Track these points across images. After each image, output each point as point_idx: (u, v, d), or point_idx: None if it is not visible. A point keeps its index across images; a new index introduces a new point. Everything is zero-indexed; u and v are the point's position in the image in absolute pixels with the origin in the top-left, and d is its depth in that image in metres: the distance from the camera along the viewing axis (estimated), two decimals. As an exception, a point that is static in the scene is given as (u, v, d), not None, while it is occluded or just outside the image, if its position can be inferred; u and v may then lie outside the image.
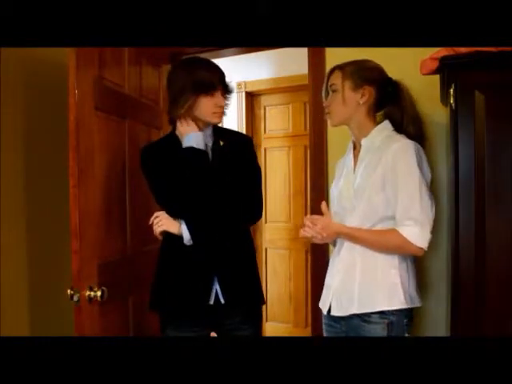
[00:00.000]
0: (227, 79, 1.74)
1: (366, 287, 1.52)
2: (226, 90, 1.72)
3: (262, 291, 1.82)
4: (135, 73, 2.09)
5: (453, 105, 1.47)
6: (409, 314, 1.53)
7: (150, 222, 1.69)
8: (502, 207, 1.45)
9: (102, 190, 1.80)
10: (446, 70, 1.49)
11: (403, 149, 1.49)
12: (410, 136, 1.56)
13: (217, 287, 1.69)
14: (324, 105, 1.65)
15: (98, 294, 1.65)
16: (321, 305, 1.69)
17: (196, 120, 1.70)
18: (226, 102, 1.74)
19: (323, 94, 1.67)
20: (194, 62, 1.74)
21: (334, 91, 1.60)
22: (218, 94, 1.68)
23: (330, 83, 1.62)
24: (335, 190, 1.70)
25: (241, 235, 1.78)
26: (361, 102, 1.57)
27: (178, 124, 1.72)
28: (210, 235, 1.68)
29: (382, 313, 1.48)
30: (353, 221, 1.55)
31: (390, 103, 1.61)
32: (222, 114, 1.72)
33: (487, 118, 1.45)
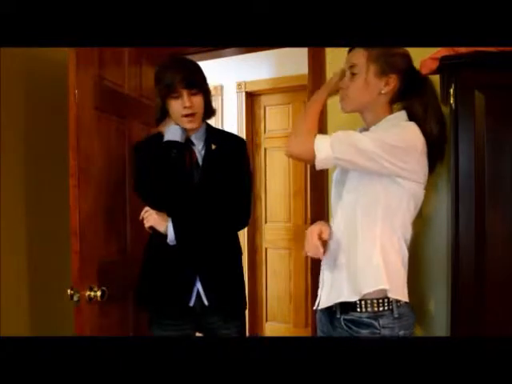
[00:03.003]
0: (196, 77, 1.68)
1: (350, 272, 1.40)
2: (195, 90, 1.66)
3: (244, 295, 1.82)
4: (135, 73, 2.09)
5: (453, 105, 1.47)
6: (405, 324, 1.38)
7: (141, 218, 1.70)
8: (502, 207, 1.45)
9: (102, 190, 1.80)
10: (446, 70, 1.49)
11: (397, 128, 1.36)
12: (432, 136, 1.40)
13: (199, 288, 1.69)
14: (340, 86, 1.48)
15: (98, 294, 1.65)
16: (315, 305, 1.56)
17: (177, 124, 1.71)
18: (200, 102, 1.69)
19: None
20: (164, 65, 1.72)
21: (354, 73, 1.42)
22: (184, 95, 1.65)
23: (350, 63, 1.43)
24: (337, 181, 1.55)
25: (227, 238, 1.77)
26: (383, 92, 1.42)
27: (159, 127, 1.76)
28: (194, 237, 1.68)
29: (371, 326, 1.35)
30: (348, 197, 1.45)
31: (412, 96, 1.44)
32: (193, 116, 1.67)
33: (487, 117, 1.45)
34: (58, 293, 1.84)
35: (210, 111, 1.78)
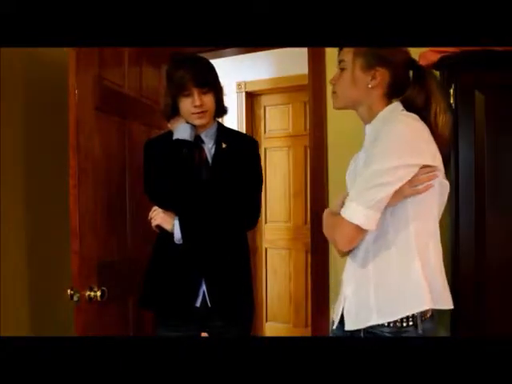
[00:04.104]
0: (207, 76, 1.68)
1: (382, 290, 1.28)
2: (205, 88, 1.66)
3: (252, 297, 1.80)
4: (135, 73, 2.09)
5: (453, 105, 1.47)
6: (430, 326, 1.30)
7: (149, 218, 1.70)
8: (502, 207, 1.45)
9: (102, 190, 1.80)
10: (446, 69, 1.49)
11: (391, 127, 1.24)
12: (436, 131, 1.28)
13: (204, 289, 1.68)
14: (330, 82, 1.44)
15: (98, 294, 1.65)
16: (333, 316, 1.45)
17: (187, 121, 1.71)
18: (211, 100, 1.68)
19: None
20: (176, 62, 1.72)
21: (342, 69, 1.38)
22: (194, 94, 1.65)
23: (339, 59, 1.40)
24: (349, 187, 1.47)
25: (235, 239, 1.76)
26: (370, 86, 1.34)
27: (169, 123, 1.75)
28: (201, 236, 1.68)
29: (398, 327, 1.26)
30: None
31: (412, 88, 1.35)
32: (203, 114, 1.67)
33: (487, 118, 1.45)
34: (58, 293, 1.84)
35: (221, 109, 1.77)
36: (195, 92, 1.65)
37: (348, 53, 1.37)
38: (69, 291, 1.61)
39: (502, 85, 1.44)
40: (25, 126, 2.08)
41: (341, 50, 1.41)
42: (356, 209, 1.23)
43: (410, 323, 1.26)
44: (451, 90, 1.47)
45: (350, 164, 1.55)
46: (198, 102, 1.64)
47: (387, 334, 1.27)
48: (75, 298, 1.61)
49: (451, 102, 1.47)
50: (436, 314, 1.35)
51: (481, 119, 1.45)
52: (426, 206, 1.29)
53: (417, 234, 1.28)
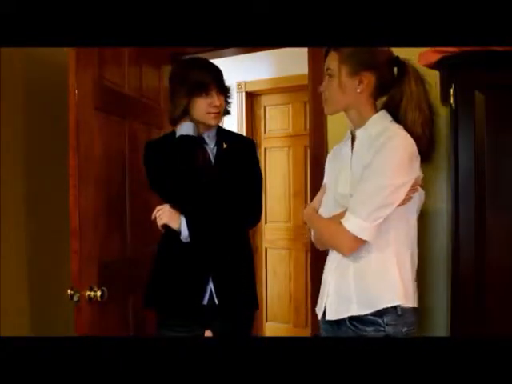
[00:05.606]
0: (222, 78, 1.73)
1: (361, 285, 1.38)
2: (221, 90, 1.71)
3: (256, 295, 1.83)
4: (135, 73, 2.09)
5: (453, 105, 1.47)
6: (408, 321, 1.38)
7: (153, 217, 1.70)
8: (502, 207, 1.45)
9: (102, 189, 1.80)
10: (446, 69, 1.49)
11: (394, 143, 1.32)
12: (406, 127, 1.37)
13: (211, 287, 1.69)
14: (319, 90, 1.48)
15: (98, 294, 1.65)
16: (317, 309, 1.54)
17: (195, 122, 1.71)
18: (223, 102, 1.73)
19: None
20: (189, 63, 1.75)
21: (329, 76, 1.43)
22: (212, 94, 1.67)
23: (326, 67, 1.45)
24: (331, 183, 1.55)
25: (238, 237, 1.78)
26: (358, 91, 1.40)
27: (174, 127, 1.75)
28: (208, 234, 1.69)
29: (376, 324, 1.35)
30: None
31: (394, 87, 1.42)
32: (219, 114, 1.71)
33: (487, 117, 1.45)
34: (58, 293, 1.84)
35: (226, 111, 1.80)
36: (214, 92, 1.67)
37: (333, 60, 1.43)
38: (69, 291, 1.61)
39: (502, 85, 1.44)
40: (25, 126, 2.08)
41: (326, 57, 1.46)
42: (364, 226, 1.32)
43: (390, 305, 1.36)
44: (451, 90, 1.47)
45: (328, 158, 1.66)
46: (217, 102, 1.68)
47: (370, 317, 1.36)
48: (75, 298, 1.61)
49: (451, 102, 1.47)
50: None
51: (481, 119, 1.45)
52: (406, 212, 1.39)
53: (396, 239, 1.38)
